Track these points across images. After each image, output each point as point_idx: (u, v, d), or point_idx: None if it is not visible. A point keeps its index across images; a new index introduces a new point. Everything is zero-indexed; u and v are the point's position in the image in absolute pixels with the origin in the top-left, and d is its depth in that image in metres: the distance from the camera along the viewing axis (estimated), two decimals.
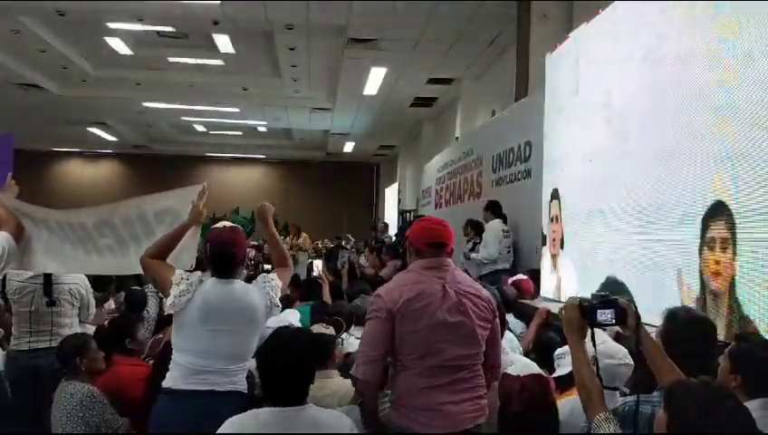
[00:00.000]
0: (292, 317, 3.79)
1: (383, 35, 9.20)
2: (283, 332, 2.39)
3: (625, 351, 2.09)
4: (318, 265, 5.39)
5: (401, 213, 15.42)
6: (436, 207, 11.06)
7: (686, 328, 2.11)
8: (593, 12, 4.75)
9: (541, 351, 3.32)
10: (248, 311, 2.71)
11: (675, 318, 2.20)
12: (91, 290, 4.33)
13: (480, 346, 2.44)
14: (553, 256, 5.30)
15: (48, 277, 3.94)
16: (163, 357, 2.84)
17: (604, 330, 2.05)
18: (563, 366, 2.87)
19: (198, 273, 2.77)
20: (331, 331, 3.29)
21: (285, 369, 2.16)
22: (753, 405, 1.80)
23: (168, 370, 2.66)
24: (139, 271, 3.21)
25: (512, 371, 2.04)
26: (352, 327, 3.81)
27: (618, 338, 2.82)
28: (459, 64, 10.53)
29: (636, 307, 1.97)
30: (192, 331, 2.63)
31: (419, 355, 2.36)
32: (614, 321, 1.93)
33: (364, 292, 4.50)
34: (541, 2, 7.25)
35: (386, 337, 2.37)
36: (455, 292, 2.41)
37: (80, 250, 3.68)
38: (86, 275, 4.19)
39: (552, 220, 5.34)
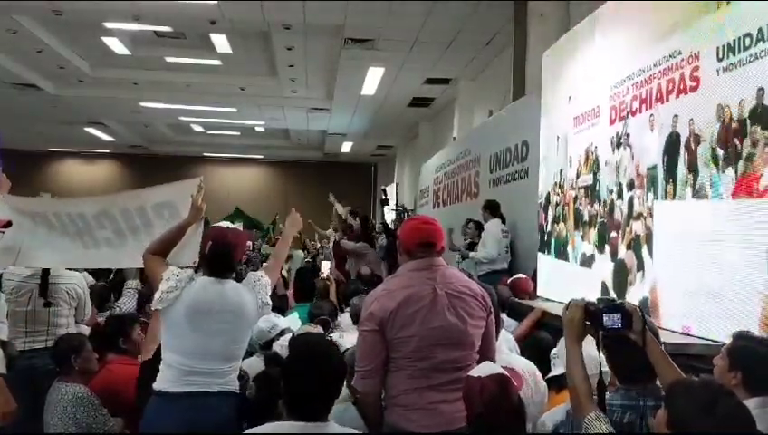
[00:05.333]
0: (292, 323, 3.79)
1: (380, 35, 9.21)
2: (314, 341, 2.31)
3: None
4: (327, 265, 5.37)
5: (398, 213, 15.42)
6: (433, 207, 11.07)
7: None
8: (590, 11, 4.74)
9: (534, 350, 3.32)
10: (239, 311, 2.68)
11: None
12: (88, 290, 4.32)
13: (474, 346, 2.44)
14: None
15: (45, 278, 3.93)
16: (154, 357, 2.83)
17: (595, 335, 2.05)
18: (559, 366, 2.88)
19: (190, 271, 2.75)
20: (318, 330, 3.30)
21: (318, 382, 2.05)
22: (751, 403, 1.80)
23: (158, 370, 2.64)
24: (136, 265, 3.23)
25: (473, 372, 2.04)
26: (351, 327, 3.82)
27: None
28: (456, 64, 10.53)
29: (642, 312, 1.98)
30: (180, 330, 2.60)
31: (412, 359, 2.36)
32: (620, 325, 1.93)
33: (358, 291, 4.51)
34: (538, 1, 7.25)
35: (380, 348, 2.37)
36: (446, 293, 2.40)
37: (78, 244, 3.71)
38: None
39: None
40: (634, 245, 2.97)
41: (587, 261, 3.48)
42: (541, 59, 5.72)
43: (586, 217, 3.37)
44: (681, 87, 2.61)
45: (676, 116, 2.64)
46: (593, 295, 2.21)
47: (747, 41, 2.20)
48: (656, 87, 2.79)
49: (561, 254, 4.03)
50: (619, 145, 3.19)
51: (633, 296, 2.93)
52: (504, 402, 1.94)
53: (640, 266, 2.87)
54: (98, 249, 3.69)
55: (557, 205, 3.89)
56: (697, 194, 2.53)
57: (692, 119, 2.54)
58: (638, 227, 2.93)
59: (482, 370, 2.04)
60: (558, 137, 3.98)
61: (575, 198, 3.63)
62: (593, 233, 3.22)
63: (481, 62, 10.37)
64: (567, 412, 2.24)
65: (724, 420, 1.49)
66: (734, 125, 2.32)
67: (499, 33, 8.82)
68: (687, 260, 2.58)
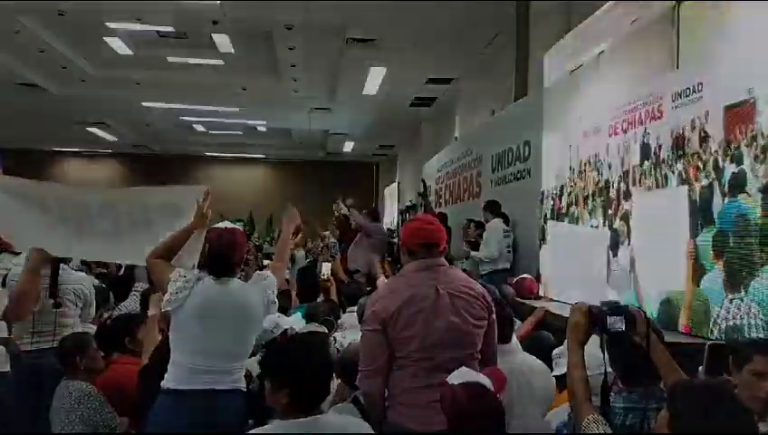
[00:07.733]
0: (296, 323, 3.80)
1: (382, 35, 9.22)
2: (313, 341, 2.34)
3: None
4: (327, 267, 5.36)
5: (401, 212, 15.44)
6: (435, 207, 11.07)
7: None
8: (592, 11, 4.79)
9: (535, 350, 3.34)
10: (246, 309, 2.70)
11: None
12: (93, 290, 4.33)
13: (476, 346, 2.45)
14: None
15: (54, 279, 3.93)
16: (159, 356, 2.84)
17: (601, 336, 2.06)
18: (561, 366, 2.89)
19: (196, 271, 2.77)
20: (323, 330, 3.32)
21: (324, 379, 2.11)
22: None
23: (163, 369, 2.65)
24: (128, 261, 3.21)
25: (449, 378, 2.05)
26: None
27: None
28: (458, 64, 10.54)
29: (645, 313, 1.98)
30: (190, 329, 2.62)
31: (415, 358, 2.37)
32: (624, 328, 1.94)
33: (362, 291, 4.54)
34: (539, 1, 7.27)
35: (383, 348, 2.38)
36: (448, 293, 2.41)
37: (72, 232, 3.66)
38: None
39: None
40: (624, 217, 4.30)
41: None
42: (542, 59, 5.74)
43: (592, 200, 4.76)
44: (652, 116, 4.00)
45: (649, 133, 4.02)
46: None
47: (687, 91, 3.61)
48: (638, 115, 4.14)
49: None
50: (617, 151, 4.46)
51: (624, 251, 4.24)
52: (475, 411, 1.94)
53: (628, 233, 4.23)
54: (93, 239, 3.60)
55: (569, 193, 5.24)
56: (661, 183, 3.87)
57: (659, 135, 3.89)
58: (627, 205, 4.26)
59: (457, 376, 2.05)
60: (570, 145, 5.21)
61: (583, 188, 5.00)
62: (598, 210, 4.66)
63: (483, 62, 10.37)
64: (569, 414, 2.26)
65: (726, 421, 1.49)
66: (680, 140, 3.67)
67: (501, 32, 8.82)
68: (656, 226, 3.94)
